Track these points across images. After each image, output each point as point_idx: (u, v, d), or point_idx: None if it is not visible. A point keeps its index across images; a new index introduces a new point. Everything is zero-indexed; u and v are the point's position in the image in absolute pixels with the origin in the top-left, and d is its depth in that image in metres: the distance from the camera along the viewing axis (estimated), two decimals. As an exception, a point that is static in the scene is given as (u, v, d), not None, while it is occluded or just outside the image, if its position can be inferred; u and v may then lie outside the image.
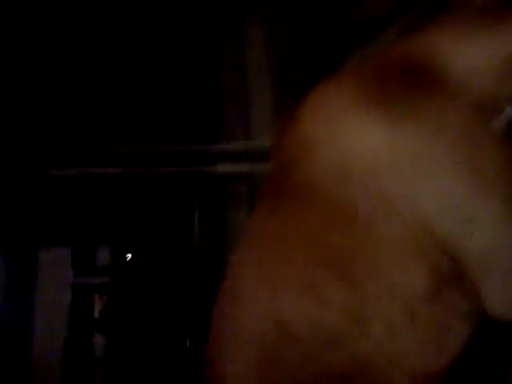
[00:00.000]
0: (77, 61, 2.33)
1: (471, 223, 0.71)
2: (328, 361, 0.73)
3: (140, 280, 2.96)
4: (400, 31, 1.46)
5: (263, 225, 0.81)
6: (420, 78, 0.77)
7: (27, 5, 2.26)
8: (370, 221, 0.72)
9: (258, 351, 0.76)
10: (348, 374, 0.73)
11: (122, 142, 2.37)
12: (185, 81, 2.50)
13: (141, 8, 2.35)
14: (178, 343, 2.66)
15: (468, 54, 0.78)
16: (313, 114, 0.81)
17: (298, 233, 0.77)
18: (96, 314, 2.62)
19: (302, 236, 0.76)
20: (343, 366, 0.72)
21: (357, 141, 0.75)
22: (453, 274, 0.72)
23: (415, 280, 0.72)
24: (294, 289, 0.76)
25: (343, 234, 0.74)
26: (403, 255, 0.72)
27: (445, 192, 0.72)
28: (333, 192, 0.74)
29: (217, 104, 2.50)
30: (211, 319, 0.83)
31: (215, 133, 2.47)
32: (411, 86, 0.77)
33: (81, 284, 2.56)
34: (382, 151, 0.74)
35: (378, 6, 1.76)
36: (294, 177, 0.79)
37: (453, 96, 0.76)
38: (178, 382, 2.51)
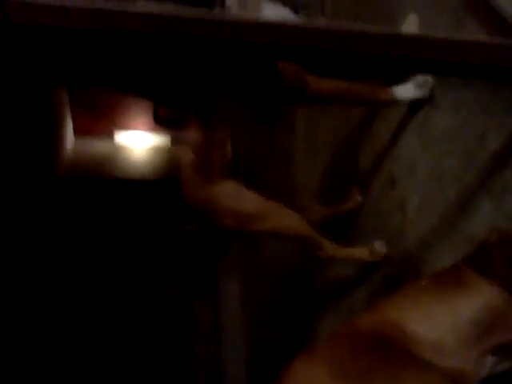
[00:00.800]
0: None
1: None
2: None
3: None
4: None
5: None
6: (393, 351, 0.85)
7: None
8: None
9: None
10: None
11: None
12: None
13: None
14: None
15: (430, 325, 0.90)
16: None
17: None
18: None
19: None
20: None
21: None
22: None
23: None
24: None
25: None
26: None
27: None
28: None
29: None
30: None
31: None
32: (385, 358, 0.84)
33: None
34: None
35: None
36: None
37: (426, 368, 0.85)
38: None
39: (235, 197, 1.84)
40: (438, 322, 0.92)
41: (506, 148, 1.37)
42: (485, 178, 1.43)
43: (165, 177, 5.27)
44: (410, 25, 1.76)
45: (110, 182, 5.14)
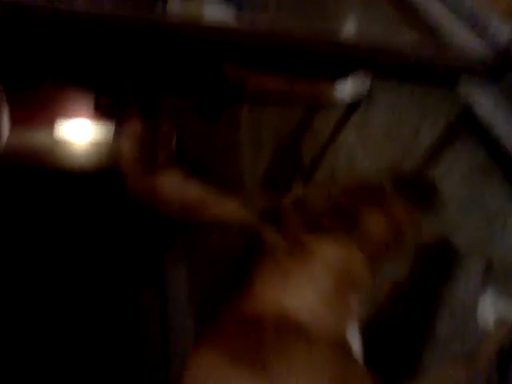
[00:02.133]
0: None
1: None
2: None
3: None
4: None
5: None
6: (278, 328, 0.91)
7: None
8: None
9: None
10: None
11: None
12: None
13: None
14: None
15: (300, 296, 0.97)
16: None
17: None
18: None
19: None
20: None
21: None
22: None
23: None
24: None
25: None
26: None
27: None
28: None
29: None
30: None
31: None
32: (273, 336, 0.90)
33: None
34: None
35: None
36: None
37: (310, 338, 0.92)
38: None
39: (180, 186, 1.83)
40: (304, 291, 0.99)
41: (439, 144, 1.45)
42: (419, 172, 1.51)
43: (106, 169, 5.17)
44: (350, 24, 1.81)
45: (47, 173, 4.99)
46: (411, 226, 1.16)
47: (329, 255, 1.03)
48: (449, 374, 1.12)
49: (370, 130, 1.75)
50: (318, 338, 0.93)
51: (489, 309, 1.16)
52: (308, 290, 0.99)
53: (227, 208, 1.90)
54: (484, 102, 1.20)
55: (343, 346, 0.98)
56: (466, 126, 1.31)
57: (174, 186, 1.82)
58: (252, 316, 0.94)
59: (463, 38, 1.27)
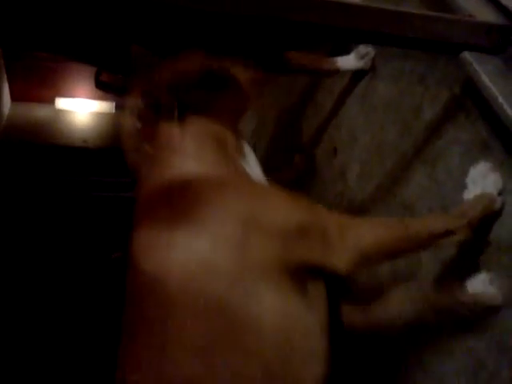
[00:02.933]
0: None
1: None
2: None
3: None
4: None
5: None
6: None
7: None
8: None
9: None
10: None
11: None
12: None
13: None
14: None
15: None
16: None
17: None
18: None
19: None
20: None
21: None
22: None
23: None
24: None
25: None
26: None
27: None
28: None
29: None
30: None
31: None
32: (189, 195, 1.00)
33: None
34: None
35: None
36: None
37: (215, 185, 1.02)
38: None
39: None
40: (188, 159, 1.10)
41: (440, 118, 1.44)
42: (420, 147, 1.50)
43: (108, 144, 5.16)
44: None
45: (48, 147, 4.98)
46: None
47: (192, 127, 1.14)
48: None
49: (372, 103, 1.74)
50: (220, 182, 1.04)
51: (476, 180, 1.22)
52: (191, 156, 1.09)
53: None
54: (487, 74, 1.18)
55: (246, 178, 1.11)
56: (470, 99, 1.31)
57: None
58: (162, 189, 1.04)
59: (471, 7, 1.26)
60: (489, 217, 1.19)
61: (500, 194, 1.19)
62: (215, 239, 0.94)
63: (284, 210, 1.03)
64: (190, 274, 0.92)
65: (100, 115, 5.74)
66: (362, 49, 1.75)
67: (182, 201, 0.99)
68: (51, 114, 5.61)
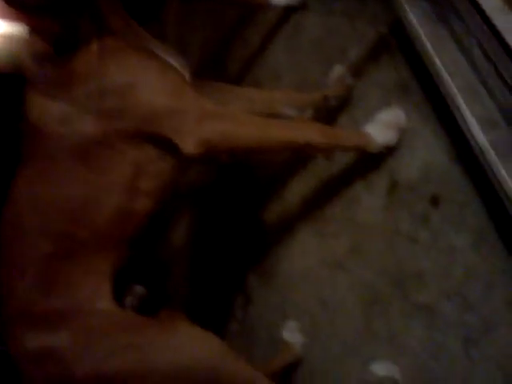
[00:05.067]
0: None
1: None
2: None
3: None
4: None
5: None
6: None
7: None
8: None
9: None
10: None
11: None
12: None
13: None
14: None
15: None
16: None
17: None
18: None
19: None
20: None
21: None
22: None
23: None
24: None
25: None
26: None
27: None
28: None
29: None
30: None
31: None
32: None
33: None
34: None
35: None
36: None
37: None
38: None
39: None
40: None
41: (363, 60, 1.45)
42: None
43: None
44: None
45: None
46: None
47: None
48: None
49: (299, 41, 1.72)
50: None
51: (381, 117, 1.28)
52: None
53: None
54: (415, 15, 1.20)
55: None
56: (395, 39, 1.32)
57: None
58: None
59: None
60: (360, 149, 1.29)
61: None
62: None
63: (154, 90, 1.12)
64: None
65: (9, 37, 5.30)
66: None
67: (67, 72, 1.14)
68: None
